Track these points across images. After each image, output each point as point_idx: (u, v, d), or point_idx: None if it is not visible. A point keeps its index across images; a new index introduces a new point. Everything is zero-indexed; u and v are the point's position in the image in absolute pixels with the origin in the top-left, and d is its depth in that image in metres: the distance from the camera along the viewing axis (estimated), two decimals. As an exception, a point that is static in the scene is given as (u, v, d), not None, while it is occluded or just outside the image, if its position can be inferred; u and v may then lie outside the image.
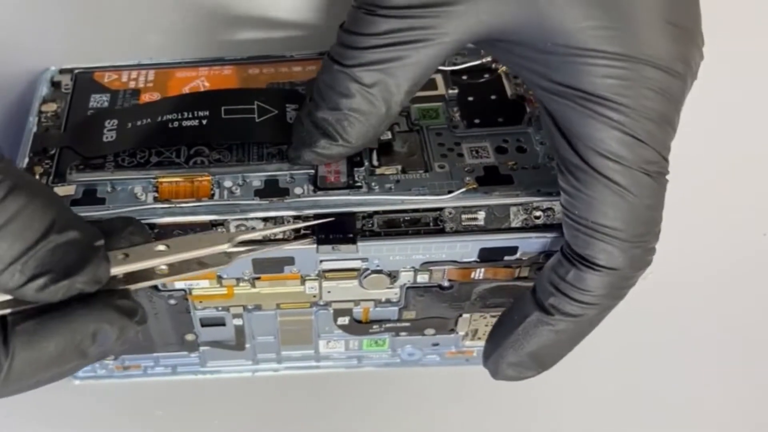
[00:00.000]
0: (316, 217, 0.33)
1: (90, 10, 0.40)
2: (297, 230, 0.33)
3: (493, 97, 0.38)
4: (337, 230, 0.33)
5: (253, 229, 0.32)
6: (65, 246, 0.26)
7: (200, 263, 0.30)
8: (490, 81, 0.38)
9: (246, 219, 0.33)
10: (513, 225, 0.33)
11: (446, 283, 0.36)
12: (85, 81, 0.39)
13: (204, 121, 0.35)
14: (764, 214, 0.47)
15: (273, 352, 0.40)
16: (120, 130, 0.35)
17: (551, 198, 0.33)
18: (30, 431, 0.40)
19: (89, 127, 0.36)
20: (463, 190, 0.33)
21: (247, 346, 0.39)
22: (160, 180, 0.34)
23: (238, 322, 0.37)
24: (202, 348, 0.39)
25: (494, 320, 0.38)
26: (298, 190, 0.34)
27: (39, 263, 0.25)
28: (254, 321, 0.38)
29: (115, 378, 0.41)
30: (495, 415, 0.41)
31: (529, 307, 0.32)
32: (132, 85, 0.38)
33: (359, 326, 0.38)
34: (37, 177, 0.34)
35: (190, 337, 0.38)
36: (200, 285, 0.35)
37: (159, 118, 0.35)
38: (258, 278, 0.35)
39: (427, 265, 0.34)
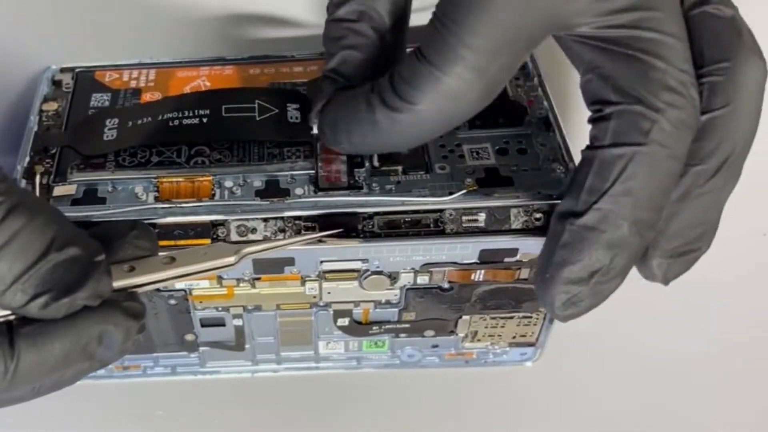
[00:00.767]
0: (321, 227, 0.32)
1: (91, 9, 0.40)
2: (298, 232, 0.33)
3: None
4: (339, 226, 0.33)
5: (259, 240, 0.32)
6: (65, 263, 0.26)
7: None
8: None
9: (246, 219, 0.33)
10: (513, 227, 0.33)
11: (446, 285, 0.36)
12: (86, 80, 0.39)
13: (205, 120, 0.35)
14: (764, 214, 0.47)
15: (273, 352, 0.40)
16: (121, 129, 0.35)
17: (552, 200, 0.33)
18: (29, 431, 0.40)
19: (90, 127, 0.36)
20: (464, 191, 0.33)
21: (247, 346, 0.39)
22: (161, 180, 0.34)
23: (237, 322, 0.37)
24: (201, 348, 0.39)
25: (494, 322, 0.38)
26: (298, 191, 0.34)
27: (40, 282, 0.25)
28: (254, 321, 0.38)
29: (115, 378, 0.41)
30: (495, 416, 0.41)
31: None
32: (133, 84, 0.38)
33: (359, 327, 0.38)
34: (38, 176, 0.34)
35: (189, 337, 0.38)
36: (200, 285, 0.35)
37: (160, 117, 0.35)
38: (258, 279, 0.35)
39: (427, 267, 0.34)
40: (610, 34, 0.28)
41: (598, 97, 0.29)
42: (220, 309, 0.37)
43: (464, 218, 0.33)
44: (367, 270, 0.34)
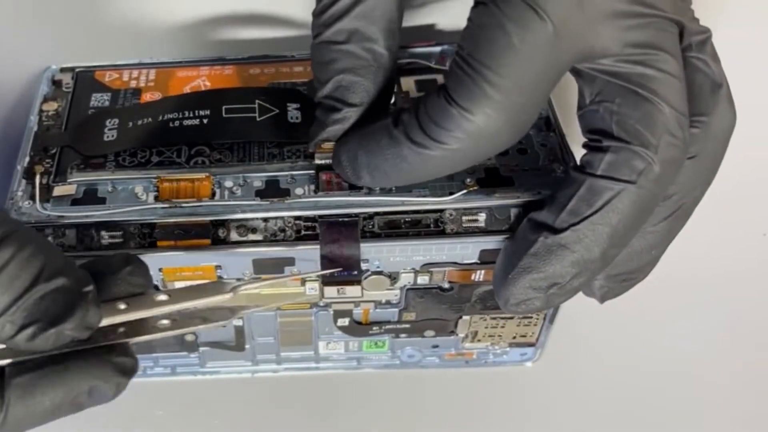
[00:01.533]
0: (321, 227, 0.33)
1: (91, 9, 0.40)
2: (298, 232, 0.33)
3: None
4: (342, 266, 0.33)
5: (257, 278, 0.33)
6: (53, 294, 0.25)
7: (203, 318, 0.29)
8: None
9: (246, 219, 0.33)
10: (513, 227, 0.33)
11: (446, 285, 0.36)
12: (86, 80, 0.39)
13: (205, 120, 0.35)
14: (764, 214, 0.47)
15: (273, 353, 0.40)
16: (121, 130, 0.35)
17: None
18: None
19: (90, 127, 0.36)
20: (464, 192, 0.33)
21: (247, 346, 0.39)
22: (161, 180, 0.34)
23: (237, 322, 0.37)
24: (201, 348, 0.39)
25: (494, 322, 0.38)
26: (298, 191, 0.34)
27: (27, 313, 0.25)
28: (254, 322, 0.38)
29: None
30: (495, 416, 0.40)
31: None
32: (133, 84, 0.38)
33: (359, 327, 0.38)
34: (38, 176, 0.34)
35: (189, 337, 0.38)
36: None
37: (160, 117, 0.35)
38: (258, 279, 0.35)
39: (427, 267, 0.34)
40: (624, 69, 0.28)
41: (600, 128, 0.29)
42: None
43: (464, 218, 0.33)
44: (368, 270, 0.34)
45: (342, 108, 0.31)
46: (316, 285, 0.35)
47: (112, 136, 0.35)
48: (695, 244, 0.41)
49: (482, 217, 0.33)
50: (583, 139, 0.30)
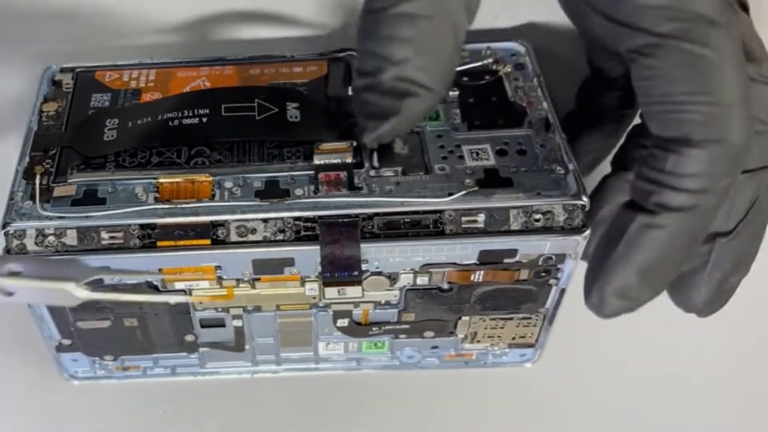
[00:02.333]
0: (321, 228, 0.32)
1: (91, 10, 0.40)
2: (298, 232, 0.33)
3: (493, 99, 0.38)
4: (343, 267, 0.32)
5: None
6: None
7: None
8: (491, 83, 0.38)
9: (246, 220, 0.33)
10: (513, 228, 0.33)
11: (446, 286, 0.36)
12: (86, 80, 0.39)
13: (204, 119, 0.35)
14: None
15: (272, 353, 0.40)
16: (120, 130, 0.35)
17: (551, 201, 0.33)
18: (29, 431, 0.40)
19: (90, 127, 0.36)
20: (464, 192, 0.33)
21: (247, 347, 0.39)
22: (161, 180, 0.34)
23: (237, 323, 0.37)
24: (201, 349, 0.39)
25: (493, 323, 0.38)
26: (298, 191, 0.34)
27: None
28: (254, 322, 0.38)
29: (114, 379, 0.41)
30: (494, 417, 0.40)
31: (629, 217, 0.28)
32: (133, 84, 0.38)
33: (359, 328, 0.38)
34: (38, 177, 0.34)
35: (189, 338, 0.38)
36: (200, 286, 0.35)
37: (159, 117, 0.35)
38: (258, 279, 0.35)
39: (426, 267, 0.34)
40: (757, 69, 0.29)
41: None
42: (219, 310, 0.37)
43: (464, 219, 0.33)
44: (367, 270, 0.34)
45: (419, 92, 0.28)
46: (316, 285, 0.35)
47: (112, 136, 0.35)
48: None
49: (481, 217, 0.33)
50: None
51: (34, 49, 0.40)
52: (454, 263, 0.34)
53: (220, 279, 0.34)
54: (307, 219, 0.33)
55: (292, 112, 0.36)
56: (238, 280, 0.35)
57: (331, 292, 0.34)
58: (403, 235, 0.33)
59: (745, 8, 0.29)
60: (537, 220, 0.33)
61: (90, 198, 0.33)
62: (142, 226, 0.33)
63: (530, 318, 0.38)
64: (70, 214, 0.33)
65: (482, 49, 0.39)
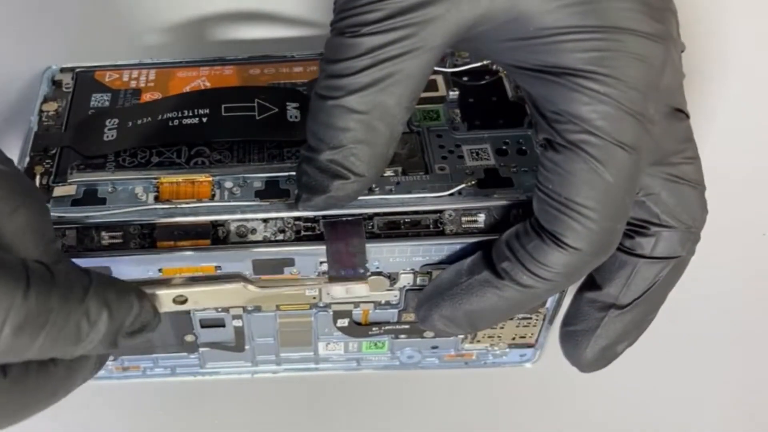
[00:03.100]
0: (330, 265, 0.33)
1: (91, 9, 0.40)
2: (298, 232, 0.33)
3: (493, 99, 0.38)
4: (349, 265, 0.33)
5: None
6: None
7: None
8: (490, 83, 0.38)
9: (246, 220, 0.33)
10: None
11: (446, 286, 0.36)
12: (86, 80, 0.39)
13: (204, 119, 0.35)
14: (764, 214, 0.47)
15: (272, 353, 0.40)
16: (120, 130, 0.35)
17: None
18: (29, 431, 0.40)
19: (90, 127, 0.36)
20: (463, 185, 0.33)
21: (247, 347, 0.39)
22: (161, 180, 0.34)
23: (237, 323, 0.37)
24: (201, 349, 0.39)
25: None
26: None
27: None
28: (254, 322, 0.38)
29: (114, 379, 0.41)
30: (494, 417, 0.40)
31: (479, 266, 0.31)
32: (133, 84, 0.38)
33: (359, 328, 0.38)
34: (38, 177, 0.34)
35: (189, 338, 0.38)
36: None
37: (159, 117, 0.35)
38: (258, 279, 0.35)
39: (427, 268, 0.34)
40: (676, 170, 0.31)
41: (644, 218, 0.31)
42: (219, 310, 0.37)
43: (464, 219, 0.33)
44: (367, 271, 0.34)
45: (349, 177, 0.30)
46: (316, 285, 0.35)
47: (112, 136, 0.35)
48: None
49: (481, 217, 0.33)
50: None
51: (34, 49, 0.40)
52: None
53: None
54: (307, 219, 0.33)
55: (292, 112, 0.36)
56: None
57: (339, 291, 0.34)
58: (403, 235, 0.33)
59: (684, 113, 0.31)
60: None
61: (90, 198, 0.33)
62: (142, 226, 0.33)
63: (530, 318, 0.38)
64: (70, 214, 0.33)
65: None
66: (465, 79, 0.38)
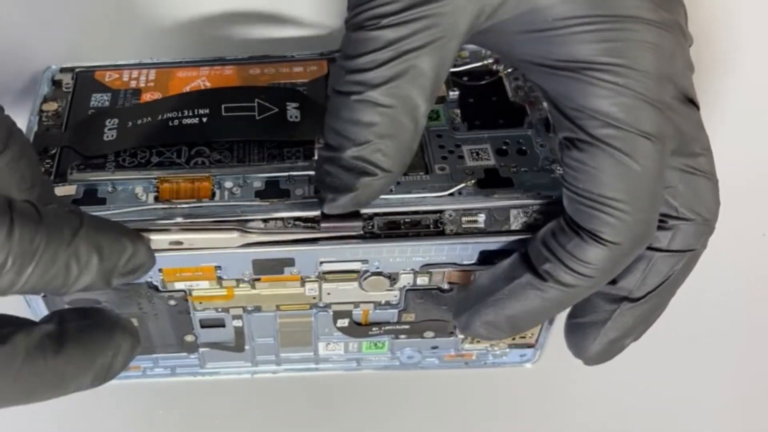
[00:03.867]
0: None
1: (91, 10, 0.40)
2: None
3: (494, 99, 0.38)
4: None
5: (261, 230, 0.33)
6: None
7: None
8: (491, 83, 0.38)
9: (246, 220, 0.33)
10: (513, 228, 0.33)
11: (446, 286, 0.36)
12: (86, 80, 0.39)
13: (204, 119, 0.35)
14: (764, 214, 0.47)
15: (272, 353, 0.40)
16: (120, 130, 0.35)
17: (551, 201, 0.33)
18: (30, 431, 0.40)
19: (90, 127, 0.36)
20: (463, 185, 0.33)
21: (247, 347, 0.39)
22: (161, 180, 0.34)
23: (237, 323, 0.37)
24: (201, 349, 0.39)
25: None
26: (298, 192, 0.33)
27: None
28: (254, 322, 0.38)
29: (114, 379, 0.41)
30: (494, 417, 0.40)
31: (520, 270, 0.31)
32: (133, 84, 0.38)
33: (359, 328, 0.38)
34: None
35: (189, 338, 0.38)
36: (200, 286, 0.35)
37: (159, 117, 0.35)
38: (258, 279, 0.35)
39: (427, 268, 0.34)
40: (690, 162, 0.31)
41: (665, 212, 0.31)
42: (219, 310, 0.37)
43: (464, 219, 0.33)
44: (367, 271, 0.34)
45: (377, 173, 0.29)
46: (316, 285, 0.35)
47: (112, 136, 0.35)
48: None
49: (482, 218, 0.33)
50: None
51: (34, 49, 0.40)
52: (455, 263, 0.34)
53: (220, 279, 0.34)
54: (307, 219, 0.33)
55: (292, 112, 0.36)
56: (238, 281, 0.35)
57: (330, 286, 0.34)
58: (403, 235, 0.33)
59: (694, 104, 0.31)
60: (537, 220, 0.33)
61: (90, 198, 0.33)
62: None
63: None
64: (70, 214, 0.33)
65: (483, 49, 0.39)
66: (465, 79, 0.38)
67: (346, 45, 0.29)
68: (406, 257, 0.34)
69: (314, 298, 0.36)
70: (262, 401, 0.41)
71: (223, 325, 0.38)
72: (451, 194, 0.33)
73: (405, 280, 0.35)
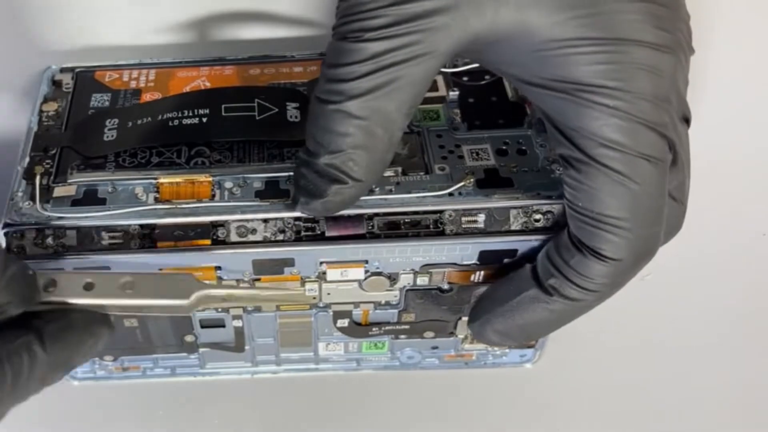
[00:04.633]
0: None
1: (91, 10, 0.40)
2: (298, 233, 0.33)
3: (493, 99, 0.38)
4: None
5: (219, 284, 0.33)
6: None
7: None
8: (491, 83, 0.38)
9: (246, 220, 0.33)
10: (513, 228, 0.33)
11: (446, 286, 0.36)
12: (86, 80, 0.39)
13: (204, 119, 0.35)
14: (764, 214, 0.47)
15: (272, 354, 0.40)
16: (120, 130, 0.35)
17: (551, 201, 0.33)
18: (30, 431, 0.40)
19: (90, 127, 0.36)
20: (462, 184, 0.33)
21: (247, 347, 0.39)
22: (161, 180, 0.34)
23: (237, 323, 0.37)
24: (201, 349, 0.39)
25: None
26: (298, 192, 0.33)
27: None
28: (254, 323, 0.38)
29: (114, 379, 0.41)
30: (494, 418, 0.40)
31: (528, 283, 0.32)
32: (133, 84, 0.38)
33: (359, 328, 0.38)
34: (38, 177, 0.34)
35: (189, 338, 0.38)
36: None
37: (159, 117, 0.35)
38: (258, 279, 0.35)
39: (426, 268, 0.34)
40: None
41: None
42: (219, 310, 0.37)
43: (464, 219, 0.33)
44: (367, 271, 0.34)
45: (347, 181, 0.30)
46: (316, 285, 0.35)
47: (112, 136, 0.35)
48: (695, 244, 0.41)
49: (481, 218, 0.33)
50: None
51: (34, 49, 0.40)
52: (454, 263, 0.34)
53: (220, 279, 0.34)
54: (307, 219, 0.33)
55: (292, 112, 0.36)
56: (238, 281, 0.35)
57: (334, 274, 0.34)
58: (403, 235, 0.33)
59: (686, 121, 0.31)
60: (537, 221, 0.33)
61: (90, 198, 0.33)
62: (142, 227, 0.33)
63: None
64: (70, 214, 0.33)
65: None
66: (465, 79, 0.38)
67: (330, 53, 0.29)
68: (406, 257, 0.34)
69: (314, 298, 0.36)
70: (262, 401, 0.41)
71: (223, 326, 0.38)
72: (450, 194, 0.33)
73: (405, 280, 0.35)
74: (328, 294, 0.36)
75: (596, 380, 0.42)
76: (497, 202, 0.33)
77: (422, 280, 0.35)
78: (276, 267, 0.34)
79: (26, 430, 0.40)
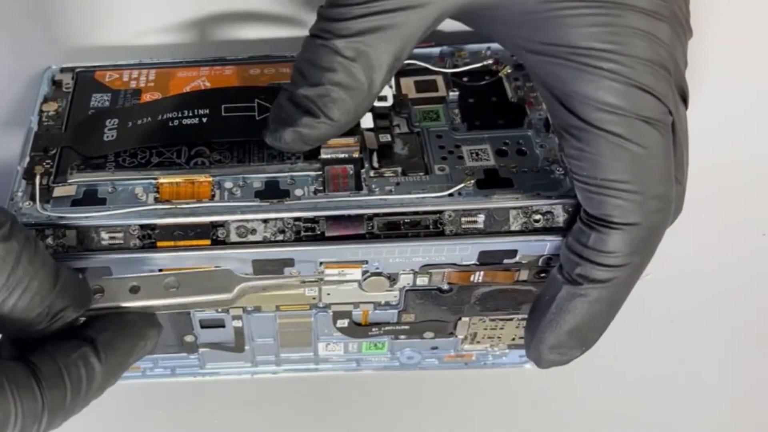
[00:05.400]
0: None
1: (91, 9, 0.40)
2: (298, 233, 0.33)
3: (493, 99, 0.38)
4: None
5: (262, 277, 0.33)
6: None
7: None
8: (490, 83, 0.38)
9: (246, 220, 0.33)
10: (512, 228, 0.33)
11: (446, 286, 0.36)
12: (86, 80, 0.39)
13: (204, 119, 0.35)
14: (764, 214, 0.47)
15: (272, 354, 0.40)
16: (120, 130, 0.35)
17: (551, 201, 0.33)
18: None
19: (90, 127, 0.36)
20: (462, 185, 0.33)
21: (247, 348, 0.39)
22: (161, 181, 0.34)
23: (237, 323, 0.37)
24: (201, 349, 0.39)
25: (493, 324, 0.38)
26: (298, 192, 0.34)
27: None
28: (254, 323, 0.38)
29: (114, 378, 0.41)
30: (494, 418, 0.40)
31: (558, 284, 0.31)
32: (133, 84, 0.38)
33: (358, 329, 0.38)
34: (38, 177, 0.34)
35: (189, 338, 0.38)
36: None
37: (159, 117, 0.35)
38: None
39: (426, 268, 0.34)
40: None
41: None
42: (219, 310, 0.37)
43: (463, 219, 0.33)
44: (367, 271, 0.34)
45: (320, 116, 0.30)
46: (316, 286, 0.35)
47: (112, 136, 0.35)
48: (695, 244, 0.41)
49: (481, 218, 0.33)
50: None
51: (34, 49, 0.40)
52: (454, 264, 0.34)
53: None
54: (306, 219, 0.33)
55: (292, 112, 0.36)
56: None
57: (332, 271, 0.34)
58: (403, 235, 0.33)
59: (684, 101, 0.31)
60: (537, 221, 0.33)
61: (90, 198, 0.33)
62: (142, 227, 0.33)
63: (530, 318, 0.38)
64: (70, 214, 0.33)
65: (482, 49, 0.39)
66: (465, 79, 0.38)
67: None
68: (405, 258, 0.34)
69: (314, 298, 0.36)
70: (262, 401, 0.41)
71: (223, 326, 0.38)
72: (450, 195, 0.33)
73: (405, 280, 0.35)
74: (328, 294, 0.36)
75: (596, 380, 0.42)
76: (497, 203, 0.33)
77: (422, 281, 0.35)
78: (276, 267, 0.34)
79: (26, 430, 0.40)
